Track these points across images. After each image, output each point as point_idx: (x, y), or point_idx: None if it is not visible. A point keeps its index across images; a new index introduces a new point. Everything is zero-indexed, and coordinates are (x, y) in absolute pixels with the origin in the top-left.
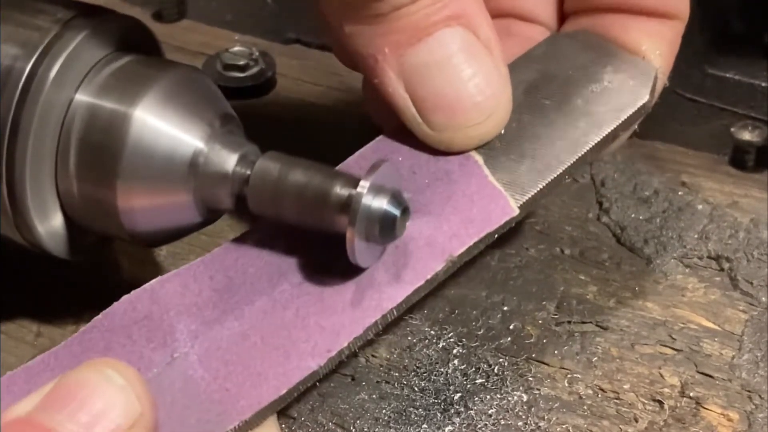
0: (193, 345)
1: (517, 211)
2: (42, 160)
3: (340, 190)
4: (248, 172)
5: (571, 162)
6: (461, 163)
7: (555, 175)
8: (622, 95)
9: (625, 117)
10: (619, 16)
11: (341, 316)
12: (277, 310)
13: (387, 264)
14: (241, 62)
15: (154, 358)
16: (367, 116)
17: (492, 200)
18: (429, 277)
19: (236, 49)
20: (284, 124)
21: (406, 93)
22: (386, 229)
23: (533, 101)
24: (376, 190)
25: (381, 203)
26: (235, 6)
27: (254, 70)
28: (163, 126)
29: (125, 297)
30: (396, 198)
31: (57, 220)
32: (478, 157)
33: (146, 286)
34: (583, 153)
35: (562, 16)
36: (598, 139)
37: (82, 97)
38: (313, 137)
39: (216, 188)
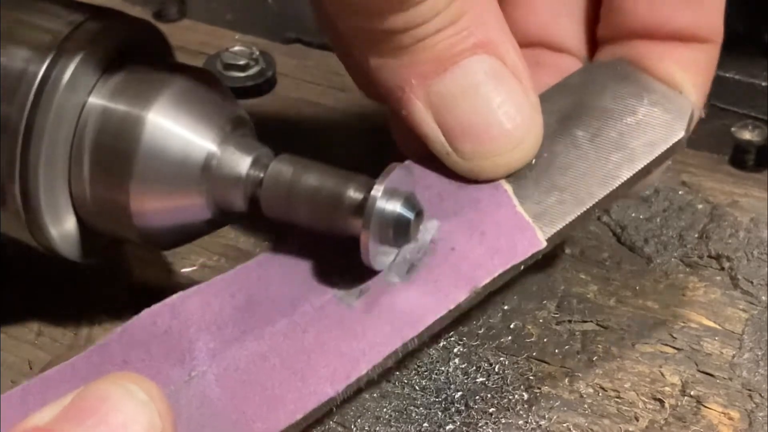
0: (211, 364)
1: (544, 244)
2: (55, 164)
3: (354, 194)
4: (261, 175)
5: (602, 196)
6: (490, 193)
7: (584, 209)
8: (657, 130)
9: (660, 153)
10: (653, 44)
11: (361, 342)
12: (297, 333)
13: (410, 291)
14: (242, 62)
15: (171, 375)
16: (367, 116)
17: (520, 231)
18: (452, 307)
19: (236, 48)
20: (284, 124)
21: (435, 123)
22: (400, 232)
23: (566, 131)
24: (390, 193)
25: (395, 206)
26: (235, 5)
27: (254, 69)
28: (176, 129)
29: (146, 311)
30: (410, 201)
31: (70, 223)
32: (507, 187)
33: (167, 300)
34: (614, 188)
35: (593, 45)
36: (630, 175)
37: (95, 101)
38: (313, 137)
39: (229, 191)
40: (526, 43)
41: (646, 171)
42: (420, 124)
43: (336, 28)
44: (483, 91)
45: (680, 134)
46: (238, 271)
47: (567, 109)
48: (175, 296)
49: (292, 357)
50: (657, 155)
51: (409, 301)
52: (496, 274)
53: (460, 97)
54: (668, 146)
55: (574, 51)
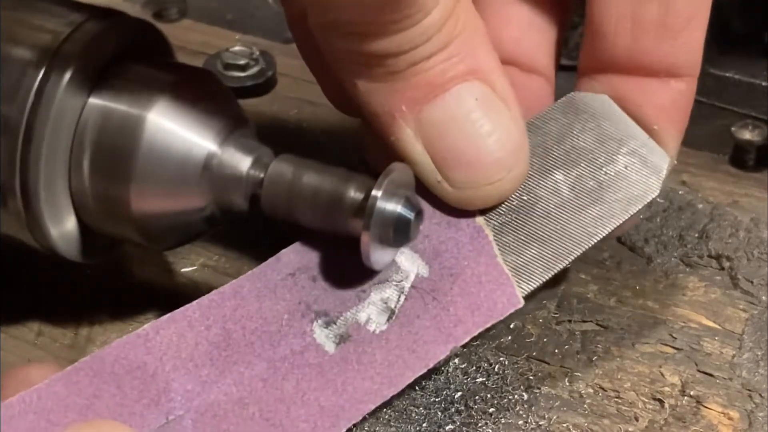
0: (188, 408)
1: (522, 303)
2: (56, 164)
3: (354, 194)
4: (262, 175)
5: (578, 253)
6: (472, 237)
7: (561, 266)
8: (635, 185)
9: (635, 210)
10: (633, 81)
11: (341, 397)
12: (277, 380)
13: (390, 343)
14: (242, 62)
15: (147, 417)
16: None
17: (499, 286)
18: (431, 365)
19: (237, 48)
20: (284, 124)
21: (425, 150)
22: (400, 232)
23: (547, 172)
24: (390, 193)
25: (395, 207)
26: (235, 5)
27: (254, 69)
28: (176, 129)
29: (117, 341)
30: (410, 201)
31: (70, 223)
32: (488, 232)
33: (140, 331)
34: (590, 245)
35: (556, 67)
36: (606, 232)
37: (95, 101)
38: (313, 137)
39: (229, 191)
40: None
41: (620, 227)
42: (410, 151)
43: (317, 46)
44: (473, 118)
45: (656, 192)
46: (212, 298)
47: (548, 145)
48: (147, 326)
49: (271, 407)
50: (632, 213)
51: (389, 355)
52: (475, 333)
53: (451, 124)
54: (644, 204)
55: (544, 71)
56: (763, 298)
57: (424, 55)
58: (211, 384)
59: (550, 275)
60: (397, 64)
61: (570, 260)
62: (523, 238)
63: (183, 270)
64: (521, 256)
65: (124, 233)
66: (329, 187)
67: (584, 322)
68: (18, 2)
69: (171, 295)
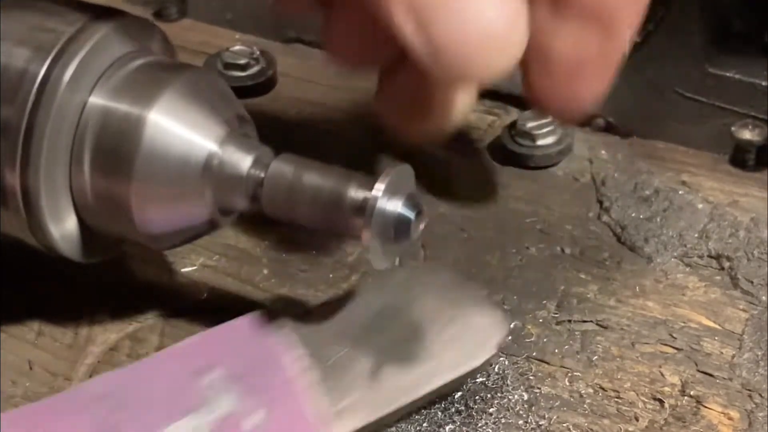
0: None
1: None
2: (56, 163)
3: (355, 193)
4: (262, 175)
5: (403, 404)
6: (291, 379)
7: (384, 413)
8: (468, 346)
9: (467, 371)
10: None
11: None
12: None
13: None
14: (242, 61)
15: None
16: (368, 116)
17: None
18: None
19: (237, 48)
20: (285, 124)
21: (417, 27)
22: (401, 231)
23: (380, 331)
24: (391, 192)
25: (396, 206)
26: (235, 5)
27: (255, 69)
28: (177, 128)
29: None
30: (411, 200)
31: (71, 223)
32: (305, 380)
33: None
34: (416, 397)
35: None
36: (433, 388)
37: (96, 100)
38: (313, 137)
39: (230, 190)
40: None
41: (452, 384)
42: (401, 29)
43: None
44: None
45: (491, 352)
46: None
47: (386, 308)
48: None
49: None
50: (463, 373)
51: None
52: None
53: None
54: (478, 364)
55: None
56: (763, 298)
57: None
58: None
59: (372, 420)
60: None
61: (393, 409)
62: (349, 382)
63: (183, 270)
64: (345, 399)
65: (124, 232)
66: (330, 187)
67: (584, 322)
68: (19, 2)
69: (171, 295)
